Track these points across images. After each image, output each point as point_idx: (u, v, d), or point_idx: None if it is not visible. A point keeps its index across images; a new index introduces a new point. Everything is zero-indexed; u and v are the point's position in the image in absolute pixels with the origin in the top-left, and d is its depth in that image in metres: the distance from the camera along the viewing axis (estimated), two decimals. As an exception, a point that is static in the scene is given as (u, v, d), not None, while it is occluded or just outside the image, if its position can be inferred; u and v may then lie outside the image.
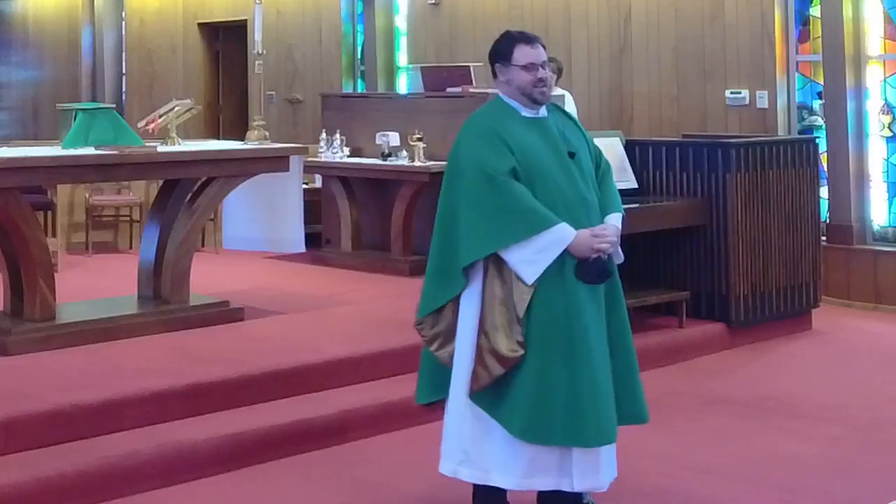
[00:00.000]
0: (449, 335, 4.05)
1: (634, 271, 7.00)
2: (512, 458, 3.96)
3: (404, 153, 8.67)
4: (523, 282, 3.92)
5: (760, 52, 8.86)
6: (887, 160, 8.49)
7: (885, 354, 7.01)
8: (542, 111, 4.15)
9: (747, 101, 8.91)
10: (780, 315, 7.38)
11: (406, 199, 8.52)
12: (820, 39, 8.70)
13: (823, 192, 8.38)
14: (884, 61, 8.51)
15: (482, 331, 3.95)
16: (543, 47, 4.14)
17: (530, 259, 3.91)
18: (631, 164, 7.32)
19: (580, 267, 3.95)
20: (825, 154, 8.51)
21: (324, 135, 9.26)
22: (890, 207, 8.48)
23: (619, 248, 4.14)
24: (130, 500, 4.58)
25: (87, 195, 9.60)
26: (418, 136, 8.40)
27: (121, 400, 5.05)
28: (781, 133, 8.70)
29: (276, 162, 6.92)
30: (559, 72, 7.98)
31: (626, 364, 4.09)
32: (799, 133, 8.73)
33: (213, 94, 13.64)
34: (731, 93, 8.99)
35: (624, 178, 7.10)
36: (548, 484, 3.97)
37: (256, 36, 7.78)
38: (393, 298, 7.42)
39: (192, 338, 6.21)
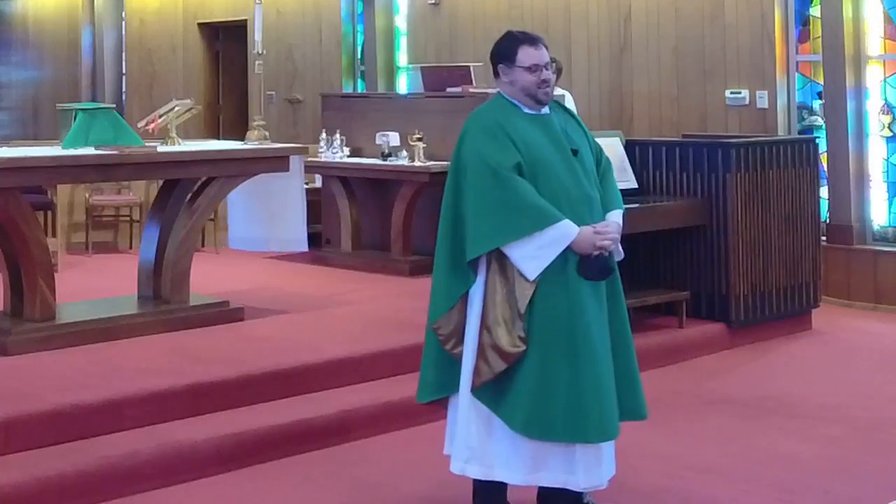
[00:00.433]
0: (462, 333, 4.06)
1: (634, 271, 7.00)
2: (515, 453, 3.97)
3: (404, 153, 8.67)
4: (525, 278, 3.93)
5: (760, 52, 8.86)
6: (887, 160, 8.50)
7: (885, 354, 7.01)
8: (545, 108, 4.15)
9: (747, 101, 8.91)
10: (780, 315, 7.39)
11: (406, 199, 8.52)
12: (820, 39, 8.70)
13: (823, 192, 8.38)
14: (884, 61, 8.51)
15: (484, 326, 3.96)
16: (546, 48, 4.15)
17: (533, 255, 3.92)
18: (631, 164, 7.32)
19: (582, 263, 3.96)
20: (825, 154, 8.51)
21: (324, 135, 9.26)
22: (890, 207, 8.48)
23: (620, 244, 4.14)
24: (130, 500, 4.58)
25: (87, 195, 9.60)
26: (418, 136, 8.40)
27: (121, 400, 5.05)
28: (781, 133, 8.70)
29: (276, 162, 6.92)
30: (559, 72, 7.98)
31: (627, 360, 4.10)
32: (799, 133, 8.73)
33: (213, 94, 13.64)
34: (731, 93, 8.99)
35: (624, 178, 7.09)
36: (553, 480, 3.98)
37: (256, 36, 7.77)
38: (393, 298, 7.43)
39: (192, 338, 6.21)
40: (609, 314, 4.07)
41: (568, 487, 3.98)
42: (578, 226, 3.95)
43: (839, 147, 8.48)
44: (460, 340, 4.06)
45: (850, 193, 8.46)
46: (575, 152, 4.07)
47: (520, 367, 3.93)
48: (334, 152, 9.07)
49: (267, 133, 7.49)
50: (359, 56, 12.13)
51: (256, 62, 7.96)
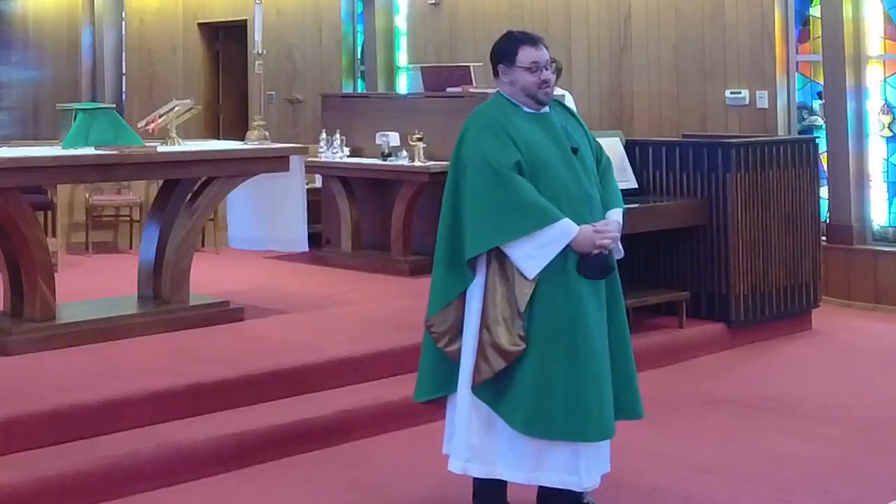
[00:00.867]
0: (457, 331, 4.06)
1: (634, 271, 7.00)
2: (516, 452, 3.97)
3: (404, 153, 8.67)
4: (525, 276, 3.93)
5: (760, 52, 8.86)
6: (887, 160, 8.49)
7: (885, 354, 7.01)
8: (545, 107, 4.15)
9: (747, 101, 8.91)
10: (780, 315, 7.38)
11: (406, 199, 8.52)
12: (820, 39, 8.70)
13: (823, 192, 8.38)
14: (884, 61, 8.51)
15: (484, 325, 3.97)
16: (546, 48, 4.15)
17: (533, 254, 3.92)
18: (631, 164, 7.32)
19: (582, 262, 3.96)
20: (825, 154, 8.51)
21: (324, 135, 9.26)
22: (890, 207, 8.48)
23: (620, 243, 4.15)
24: (130, 500, 4.58)
25: (87, 195, 9.60)
26: (418, 136, 8.40)
27: (121, 400, 5.05)
28: (781, 133, 8.70)
29: (276, 162, 6.92)
30: (559, 72, 7.98)
31: (625, 359, 4.11)
32: (799, 133, 8.73)
33: (213, 94, 13.64)
34: (731, 93, 8.99)
35: (624, 177, 7.09)
36: (554, 480, 3.98)
37: (256, 36, 7.77)
38: (393, 298, 7.43)
39: (192, 338, 6.21)
40: (608, 313, 4.07)
41: (569, 487, 3.98)
42: (578, 224, 3.95)
43: (839, 147, 8.48)
44: (454, 339, 4.06)
45: (850, 193, 8.46)
46: (575, 151, 4.07)
47: (520, 366, 3.93)
48: (334, 152, 9.07)
49: (267, 133, 7.49)
50: (359, 56, 12.13)
51: (256, 62, 7.96)
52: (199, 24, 13.64)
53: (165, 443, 4.83)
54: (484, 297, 3.99)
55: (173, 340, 6.13)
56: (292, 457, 5.05)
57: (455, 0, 10.98)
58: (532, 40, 4.14)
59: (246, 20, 12.29)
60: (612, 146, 7.18)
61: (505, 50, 4.15)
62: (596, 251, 3.97)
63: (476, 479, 4.14)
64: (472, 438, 4.03)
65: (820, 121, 8.76)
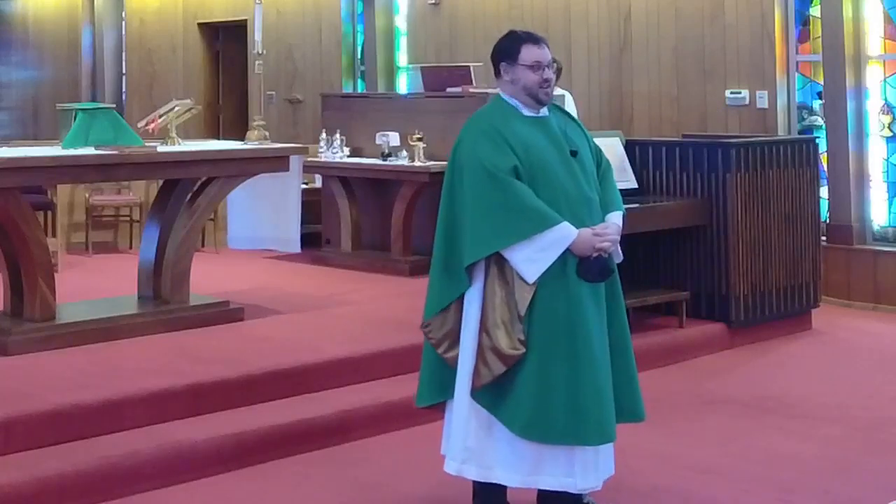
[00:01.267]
0: (456, 337, 4.05)
1: (634, 271, 7.00)
2: (514, 455, 3.97)
3: (404, 153, 8.67)
4: (525, 280, 3.92)
5: (760, 52, 8.86)
6: (887, 160, 8.49)
7: (885, 354, 7.01)
8: (544, 110, 4.15)
9: (747, 101, 8.91)
10: (780, 315, 7.38)
11: (406, 199, 8.52)
12: (820, 39, 8.70)
13: (823, 192, 8.38)
14: (884, 61, 8.51)
15: (484, 329, 3.96)
16: (548, 48, 4.15)
17: (532, 258, 3.92)
18: (631, 164, 7.32)
19: (581, 265, 3.96)
20: (825, 154, 8.51)
21: (324, 135, 9.26)
22: (890, 207, 8.48)
23: (619, 247, 4.14)
24: (130, 500, 4.58)
25: (87, 195, 9.60)
26: (418, 136, 8.40)
27: (121, 400, 5.05)
28: (781, 133, 8.70)
29: (276, 162, 6.92)
30: (559, 72, 7.97)
31: (625, 362, 4.10)
32: (799, 133, 8.73)
33: (213, 94, 13.64)
34: (731, 93, 8.99)
35: (624, 178, 7.09)
36: (552, 483, 3.97)
37: (256, 36, 7.77)
38: (393, 298, 7.43)
39: (192, 338, 6.21)
40: (608, 315, 4.06)
41: (566, 490, 3.98)
42: (578, 227, 3.95)
43: (839, 147, 8.48)
44: (453, 344, 4.05)
45: (850, 193, 8.46)
46: (574, 154, 4.07)
47: (519, 370, 3.92)
48: (334, 152, 9.06)
49: (267, 133, 7.49)
50: (359, 56, 12.13)
51: (256, 62, 7.96)
52: (199, 24, 13.64)
53: (165, 443, 4.83)
54: (483, 302, 3.98)
55: (173, 340, 6.13)
56: (292, 457, 5.05)
57: (455, 0, 10.99)
58: (535, 39, 4.14)
59: (246, 20, 12.30)
60: (612, 146, 7.18)
61: (507, 48, 4.15)
62: (595, 254, 3.96)
63: (475, 480, 4.14)
64: (469, 441, 4.02)
65: (820, 121, 8.76)
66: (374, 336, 6.24)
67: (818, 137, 8.30)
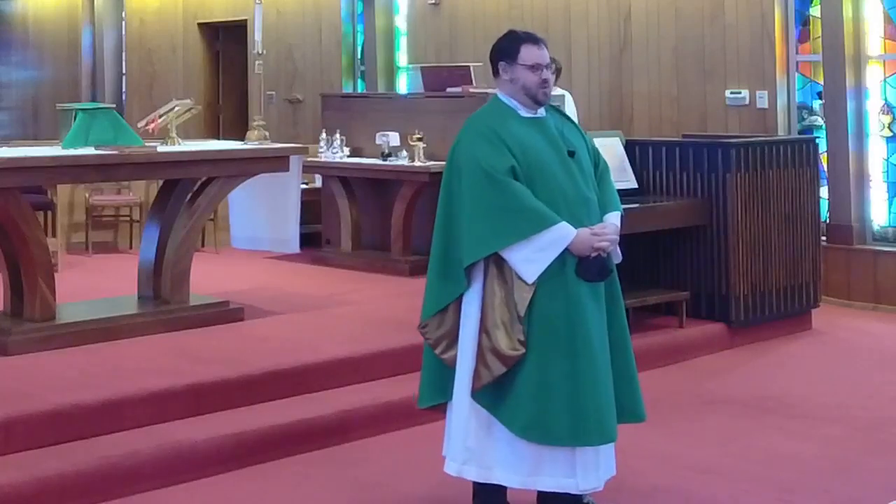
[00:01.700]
0: (453, 338, 4.05)
1: (634, 271, 7.00)
2: (514, 456, 3.97)
3: (404, 153, 8.67)
4: (524, 281, 3.92)
5: (760, 52, 8.86)
6: (887, 160, 8.49)
7: (885, 354, 7.01)
8: (541, 111, 4.15)
9: (747, 101, 8.91)
10: (780, 315, 7.38)
11: (406, 199, 8.52)
12: (820, 39, 8.70)
13: (823, 192, 8.37)
14: (884, 61, 8.51)
15: (483, 330, 3.96)
16: (547, 49, 4.16)
17: (531, 258, 3.92)
18: (631, 164, 7.32)
19: (580, 265, 3.96)
20: (825, 154, 8.51)
21: (324, 135, 9.26)
22: (890, 207, 8.48)
23: (618, 247, 4.14)
24: (130, 500, 4.58)
25: (87, 195, 9.60)
26: (418, 136, 8.40)
27: (121, 400, 5.05)
28: (781, 133, 8.70)
29: (276, 162, 6.92)
30: (558, 72, 7.98)
31: (625, 362, 4.10)
32: (799, 133, 8.73)
33: (213, 94, 13.64)
34: (731, 93, 8.99)
35: (624, 178, 7.09)
36: (552, 484, 3.97)
37: (256, 36, 7.77)
38: (393, 298, 7.43)
39: (192, 338, 6.21)
40: (608, 315, 4.06)
41: (566, 491, 3.98)
42: (576, 228, 3.95)
43: (839, 147, 8.48)
44: (450, 345, 4.05)
45: (850, 193, 8.46)
46: (571, 154, 4.07)
47: (519, 371, 3.92)
48: (334, 152, 9.07)
49: (267, 133, 7.49)
50: (359, 56, 12.13)
51: (256, 62, 7.96)
52: (199, 24, 13.64)
53: (165, 443, 4.83)
54: (482, 302, 3.98)
55: (173, 340, 6.13)
56: (292, 457, 5.05)
57: (455, 0, 10.99)
58: (535, 40, 4.14)
59: (246, 20, 12.30)
60: (612, 146, 7.18)
61: (507, 47, 4.15)
62: (594, 254, 3.97)
63: (476, 481, 4.13)
64: (469, 441, 4.02)
65: (820, 121, 8.76)
66: (374, 336, 6.24)
67: (818, 137, 8.30)
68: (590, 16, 9.92)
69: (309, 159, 8.61)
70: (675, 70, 9.35)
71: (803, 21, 8.89)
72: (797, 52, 8.87)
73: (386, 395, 5.54)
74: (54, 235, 8.68)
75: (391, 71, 11.89)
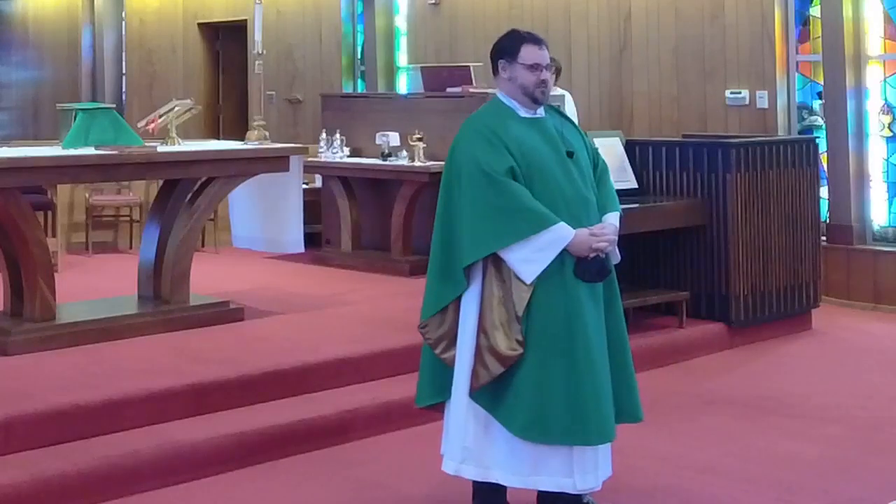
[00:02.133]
0: (453, 338, 4.05)
1: (634, 271, 7.01)
2: (513, 456, 3.97)
3: (404, 153, 8.67)
4: (523, 281, 3.93)
5: (760, 52, 8.86)
6: (887, 160, 8.50)
7: (885, 354, 7.00)
8: (540, 111, 4.16)
9: (747, 101, 8.91)
10: (780, 315, 7.38)
11: (406, 199, 8.52)
12: (820, 39, 8.70)
13: (823, 192, 8.38)
14: (884, 61, 8.51)
15: (482, 330, 3.96)
16: (547, 49, 4.16)
17: (530, 258, 3.92)
18: (631, 164, 7.32)
19: (579, 265, 3.96)
20: (825, 154, 8.51)
21: (324, 135, 9.26)
22: (890, 207, 8.48)
23: (617, 248, 4.14)
24: (130, 500, 4.58)
25: (87, 195, 9.61)
26: (418, 136, 8.40)
27: (121, 400, 5.05)
28: (781, 133, 8.70)
29: (276, 162, 6.92)
30: (558, 72, 7.98)
31: (623, 363, 4.11)
32: (799, 133, 8.73)
33: (213, 94, 13.64)
34: (731, 93, 8.99)
35: (624, 178, 7.10)
36: (550, 484, 3.97)
37: (256, 36, 7.77)
38: (393, 298, 7.43)
39: (192, 338, 6.21)
40: (606, 316, 4.07)
41: (564, 490, 3.98)
42: (575, 228, 3.95)
43: (839, 147, 8.48)
44: (450, 345, 4.05)
45: (850, 193, 8.46)
46: (571, 154, 4.07)
47: (518, 370, 3.93)
48: (334, 152, 9.07)
49: (267, 133, 7.49)
50: (359, 56, 12.13)
51: (256, 62, 7.96)
52: (199, 24, 13.64)
53: (165, 443, 4.83)
54: (481, 302, 3.98)
55: (173, 340, 6.13)
56: (292, 457, 5.05)
57: (455, 0, 10.99)
58: (536, 40, 4.15)
59: (246, 20, 12.30)
60: (612, 146, 7.18)
61: (508, 46, 4.16)
62: (593, 255, 3.97)
63: (475, 480, 4.14)
64: (468, 441, 4.02)
65: (820, 121, 8.76)
66: (374, 336, 6.24)
67: (818, 137, 8.30)
68: (590, 16, 9.92)
69: (309, 159, 8.61)
70: (675, 70, 9.35)
71: (803, 21, 8.89)
72: (797, 52, 8.87)
73: (386, 395, 5.54)
74: (54, 235, 8.68)
75: (391, 71, 11.89)
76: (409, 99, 9.62)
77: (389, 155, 8.78)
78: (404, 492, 4.65)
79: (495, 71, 4.19)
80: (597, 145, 4.38)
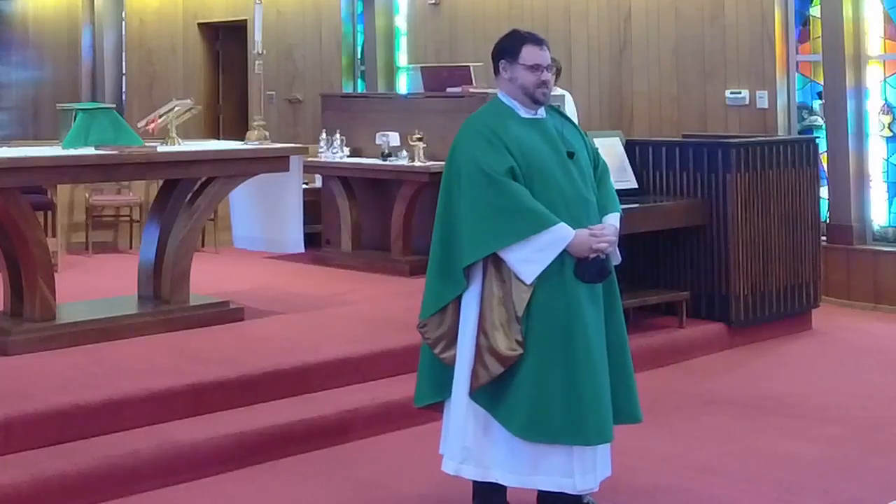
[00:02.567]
0: (452, 337, 4.05)
1: (634, 271, 7.00)
2: (512, 455, 3.97)
3: (404, 153, 8.67)
4: (523, 281, 3.93)
5: (760, 52, 8.86)
6: (887, 160, 8.50)
7: (885, 354, 7.01)
8: (541, 112, 4.16)
9: (747, 101, 8.91)
10: (780, 315, 7.38)
11: (406, 199, 8.52)
12: (820, 39, 8.70)
13: (823, 192, 8.38)
14: (884, 61, 8.51)
15: (482, 330, 3.96)
16: (549, 50, 4.16)
17: (530, 258, 3.92)
18: (631, 164, 7.32)
19: (579, 266, 3.96)
20: (825, 154, 8.51)
21: (324, 135, 9.26)
22: (890, 207, 8.48)
23: (617, 248, 4.14)
24: (130, 500, 4.58)
25: (87, 195, 9.61)
26: (418, 136, 8.40)
27: (121, 400, 5.05)
28: (781, 133, 8.70)
29: (276, 162, 6.92)
30: (558, 72, 7.98)
31: (622, 364, 4.11)
32: (799, 133, 8.73)
33: (213, 94, 13.64)
34: (731, 93, 8.99)
35: (624, 178, 7.10)
36: (549, 483, 3.98)
37: (256, 36, 7.77)
38: (393, 298, 7.43)
39: (192, 338, 6.21)
40: (606, 316, 4.07)
41: (564, 490, 3.98)
42: (575, 228, 3.95)
43: (839, 147, 8.48)
44: (449, 345, 4.05)
45: (850, 193, 8.46)
46: (571, 155, 4.07)
47: (518, 370, 3.93)
48: (334, 152, 9.07)
49: (267, 133, 7.49)
50: (359, 56, 12.13)
51: (256, 62, 7.96)
52: (199, 24, 13.64)
53: (165, 443, 4.83)
54: (481, 303, 3.98)
55: (173, 340, 6.13)
56: (292, 457, 5.05)
57: (455, 0, 10.99)
58: (537, 40, 4.15)
59: (246, 20, 12.30)
60: (612, 146, 7.18)
61: (509, 46, 4.16)
62: (593, 255, 3.97)
63: (474, 480, 4.14)
64: (468, 441, 4.03)
65: (820, 121, 8.76)
66: (374, 336, 6.24)
67: (818, 137, 8.30)
68: (590, 16, 9.92)
69: (309, 159, 8.61)
70: (675, 70, 9.35)
71: (803, 21, 8.90)
72: (797, 52, 8.87)
73: (386, 395, 5.54)
74: (54, 235, 8.68)
75: (391, 71, 11.89)
76: (409, 99, 9.62)
77: (389, 155, 8.78)
78: (404, 492, 4.65)
79: (496, 71, 4.19)
80: (597, 145, 4.38)
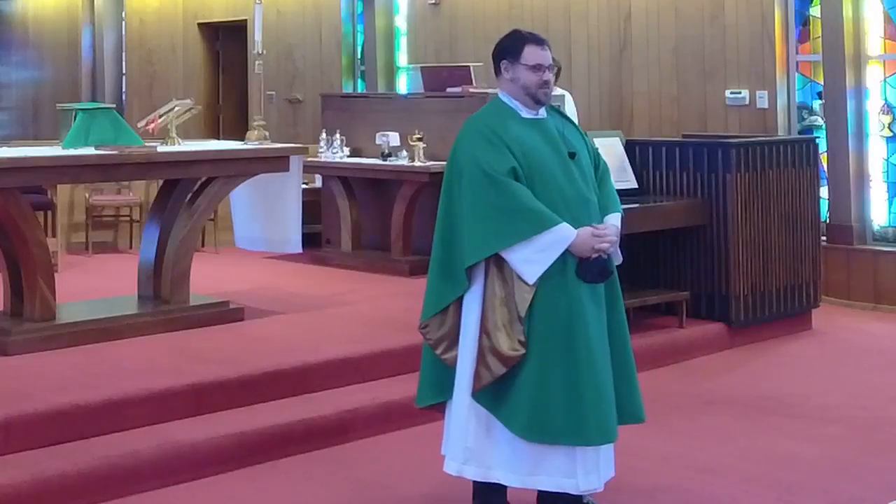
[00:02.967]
0: (454, 338, 4.05)
1: (634, 271, 7.00)
2: (514, 456, 3.97)
3: (404, 153, 8.67)
4: (525, 281, 3.93)
5: (760, 52, 8.86)
6: (887, 160, 8.50)
7: (885, 354, 7.01)
8: (542, 112, 4.16)
9: (747, 101, 8.91)
10: (780, 315, 7.38)
11: (406, 199, 8.52)
12: (820, 39, 8.70)
13: (823, 192, 8.38)
14: (884, 61, 8.51)
15: (484, 330, 3.96)
16: (550, 50, 4.16)
17: (532, 258, 3.92)
18: (631, 164, 7.32)
19: (581, 266, 3.96)
20: (825, 154, 8.51)
21: (324, 135, 9.26)
22: (890, 207, 8.48)
23: (619, 248, 4.15)
24: (130, 500, 4.58)
25: (87, 195, 9.60)
26: (418, 136, 8.40)
27: (121, 400, 5.05)
28: (781, 133, 8.71)
29: (276, 162, 6.92)
30: (558, 72, 7.98)
31: (625, 363, 4.10)
32: (799, 133, 8.73)
33: (213, 94, 13.64)
34: (731, 93, 8.99)
35: (624, 178, 7.10)
36: (551, 484, 3.98)
37: (256, 36, 7.77)
38: (393, 298, 7.43)
39: (192, 338, 6.21)
40: (608, 317, 4.07)
41: (566, 491, 3.98)
42: (576, 228, 3.95)
43: (839, 147, 8.48)
44: (451, 345, 4.05)
45: (850, 193, 8.46)
46: (572, 155, 4.07)
47: (520, 371, 3.93)
48: (334, 152, 9.07)
49: (267, 133, 7.49)
50: (359, 56, 12.13)
51: (256, 62, 7.96)
52: (199, 24, 13.64)
53: (165, 443, 4.83)
54: (483, 303, 3.98)
55: (173, 340, 6.13)
56: (292, 457, 5.05)
57: (455, 0, 10.99)
58: (538, 40, 4.15)
59: (246, 20, 12.29)
60: (612, 146, 7.18)
61: (510, 46, 4.16)
62: (595, 255, 3.97)
63: (475, 480, 4.14)
64: (469, 441, 4.03)
65: (820, 121, 8.76)
66: (374, 336, 6.24)
67: (818, 137, 8.30)
68: (590, 16, 9.92)
69: (309, 159, 8.60)
70: (675, 70, 9.35)
71: (803, 21, 8.90)
72: (797, 52, 8.87)
73: (386, 395, 5.54)
74: (54, 235, 8.68)
75: (391, 71, 11.89)
76: (409, 99, 9.62)
77: (389, 155, 8.78)
78: (404, 492, 4.65)
79: (497, 71, 4.19)
80: (597, 145, 4.38)
